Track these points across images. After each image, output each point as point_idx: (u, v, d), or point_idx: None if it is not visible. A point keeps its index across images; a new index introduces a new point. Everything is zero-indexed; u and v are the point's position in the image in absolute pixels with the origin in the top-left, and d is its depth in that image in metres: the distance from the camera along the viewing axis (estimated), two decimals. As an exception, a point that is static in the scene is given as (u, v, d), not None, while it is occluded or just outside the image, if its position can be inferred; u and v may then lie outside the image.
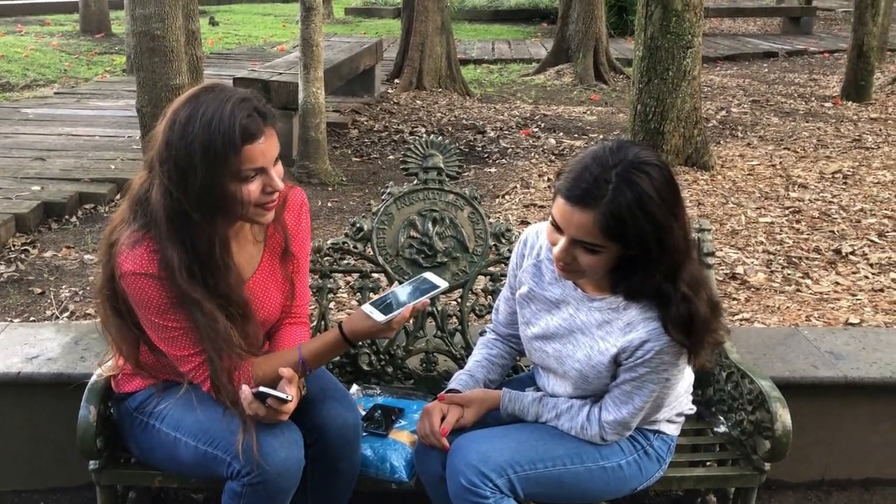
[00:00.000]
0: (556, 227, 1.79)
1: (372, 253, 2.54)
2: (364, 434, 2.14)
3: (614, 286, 1.88)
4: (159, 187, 1.78)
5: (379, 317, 1.90)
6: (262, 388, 1.83)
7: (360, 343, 2.52)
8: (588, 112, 8.80)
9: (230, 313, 1.87)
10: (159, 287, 1.81)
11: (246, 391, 1.83)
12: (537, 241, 2.05)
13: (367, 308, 1.93)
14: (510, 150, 7.10)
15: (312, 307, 2.55)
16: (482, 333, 2.31)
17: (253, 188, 1.79)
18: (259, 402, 1.83)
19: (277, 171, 1.84)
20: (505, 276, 2.42)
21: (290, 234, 2.05)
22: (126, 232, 1.84)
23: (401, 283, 2.42)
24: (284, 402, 1.83)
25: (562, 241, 1.78)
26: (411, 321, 2.53)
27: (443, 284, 2.00)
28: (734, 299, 3.96)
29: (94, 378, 2.11)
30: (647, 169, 1.72)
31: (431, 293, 1.96)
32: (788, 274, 4.29)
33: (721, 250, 4.54)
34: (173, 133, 1.75)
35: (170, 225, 1.78)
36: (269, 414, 1.84)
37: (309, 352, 1.96)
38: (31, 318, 3.77)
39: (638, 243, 1.72)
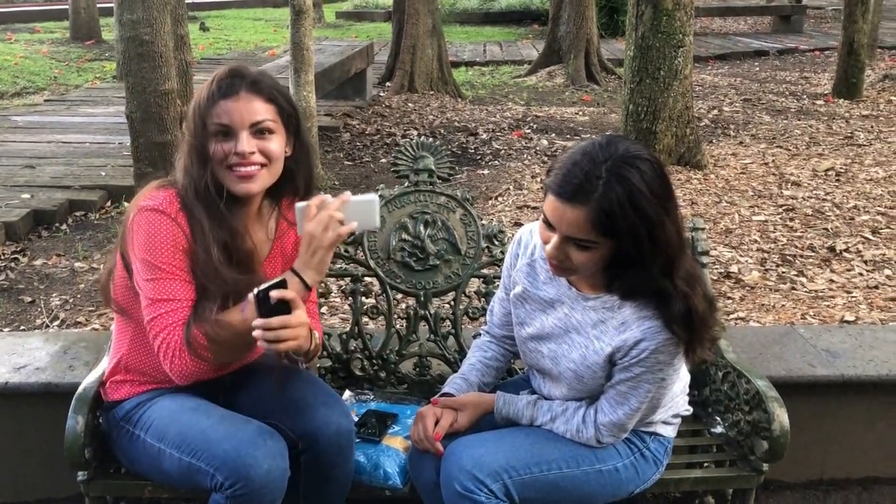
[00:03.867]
0: (548, 225, 1.77)
1: (363, 256, 2.51)
2: (357, 440, 2.12)
3: (609, 284, 1.86)
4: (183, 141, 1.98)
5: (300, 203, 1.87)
6: (257, 289, 1.73)
7: (353, 348, 2.50)
8: (580, 113, 8.80)
9: (232, 260, 1.91)
10: (169, 227, 1.87)
11: (255, 321, 1.74)
12: (531, 240, 2.03)
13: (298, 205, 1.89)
14: (502, 151, 7.09)
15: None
16: (476, 336, 2.29)
17: (220, 147, 1.89)
18: (269, 310, 1.73)
19: (261, 145, 1.91)
20: (498, 278, 2.40)
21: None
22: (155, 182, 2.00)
23: (392, 285, 2.40)
24: (282, 286, 1.75)
25: (554, 238, 1.76)
26: (404, 324, 2.51)
27: (371, 196, 1.92)
28: (729, 298, 3.95)
29: (81, 388, 2.08)
30: (638, 163, 1.70)
31: (361, 196, 1.90)
32: (783, 272, 4.28)
33: (715, 249, 4.52)
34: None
35: (180, 167, 1.95)
36: (285, 333, 1.74)
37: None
38: (21, 327, 3.73)
39: (630, 238, 1.70)
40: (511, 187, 5.93)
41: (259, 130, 1.91)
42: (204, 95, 1.91)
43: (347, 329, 2.52)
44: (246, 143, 1.89)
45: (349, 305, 2.55)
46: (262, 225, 2.07)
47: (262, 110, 1.92)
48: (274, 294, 1.73)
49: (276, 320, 1.74)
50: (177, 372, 1.88)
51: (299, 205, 1.88)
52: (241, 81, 1.91)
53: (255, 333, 1.74)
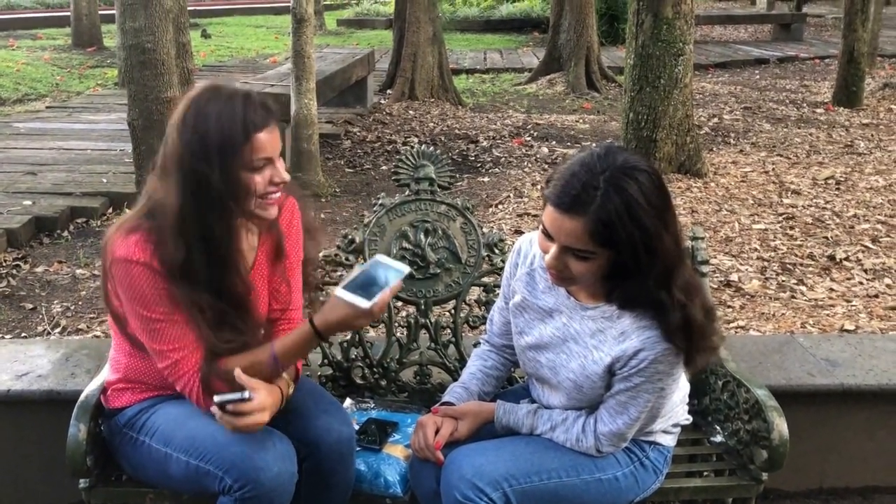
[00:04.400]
0: (547, 235, 1.78)
1: (364, 265, 2.51)
2: (358, 448, 2.12)
3: (608, 294, 1.86)
4: (172, 186, 1.80)
5: (363, 303, 1.79)
6: (217, 398, 1.80)
7: (354, 356, 2.50)
8: (580, 121, 8.81)
9: (227, 307, 1.88)
10: (149, 276, 1.83)
11: (214, 410, 1.82)
12: (531, 249, 2.04)
13: (343, 295, 1.81)
14: (503, 159, 7.10)
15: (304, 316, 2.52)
16: (476, 345, 2.29)
17: (261, 178, 1.84)
18: (227, 414, 1.81)
19: (281, 166, 1.89)
20: (498, 286, 2.41)
21: (283, 236, 2.06)
22: (123, 219, 1.89)
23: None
24: (244, 401, 1.80)
25: (553, 248, 1.77)
26: (405, 333, 2.51)
27: (406, 269, 1.89)
28: (729, 307, 3.95)
29: (83, 395, 2.09)
30: (636, 174, 1.71)
31: (402, 276, 1.88)
32: (783, 281, 4.29)
33: (715, 258, 4.53)
34: (186, 130, 1.80)
35: (180, 220, 1.80)
36: (242, 420, 1.81)
37: (281, 348, 1.92)
38: (23, 334, 3.74)
39: (627, 249, 1.71)
40: (511, 195, 5.94)
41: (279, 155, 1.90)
42: (233, 130, 1.79)
43: (348, 337, 2.52)
44: (284, 170, 1.89)
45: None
46: (248, 232, 2.02)
47: (279, 135, 1.89)
48: (230, 408, 1.80)
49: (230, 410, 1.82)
50: (207, 410, 1.90)
51: (345, 295, 1.82)
52: (265, 110, 1.85)
53: (218, 419, 1.83)
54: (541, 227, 1.80)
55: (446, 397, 2.11)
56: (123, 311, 1.91)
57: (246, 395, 1.81)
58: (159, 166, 1.86)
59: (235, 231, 1.90)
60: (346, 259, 2.52)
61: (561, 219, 1.72)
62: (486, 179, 6.47)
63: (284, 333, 2.09)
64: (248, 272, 1.99)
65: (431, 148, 2.63)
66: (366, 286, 1.83)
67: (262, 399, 1.83)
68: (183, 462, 1.90)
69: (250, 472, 1.82)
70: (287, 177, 1.89)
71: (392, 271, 1.87)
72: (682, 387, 2.06)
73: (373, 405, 2.41)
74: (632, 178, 1.71)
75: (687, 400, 2.12)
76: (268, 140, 1.83)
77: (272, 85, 6.80)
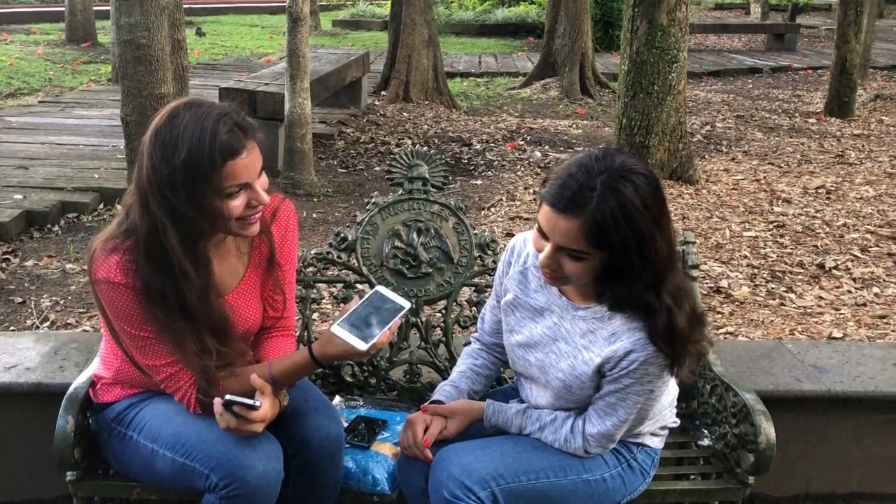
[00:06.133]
0: (542, 234, 1.79)
1: (356, 263, 2.52)
2: (347, 446, 2.12)
3: (600, 295, 1.87)
4: (142, 208, 1.78)
5: (360, 345, 1.82)
6: (228, 397, 1.81)
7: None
8: (574, 126, 8.83)
9: (208, 331, 1.86)
10: (132, 297, 1.81)
11: (217, 403, 1.82)
12: (524, 248, 2.05)
13: (340, 333, 1.84)
14: (496, 162, 7.11)
15: (296, 318, 2.52)
16: (467, 344, 2.30)
17: (237, 203, 1.79)
18: (230, 414, 1.81)
19: (262, 184, 1.83)
20: (490, 287, 2.42)
21: (277, 245, 2.04)
22: (105, 236, 1.85)
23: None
24: (252, 408, 1.81)
25: (547, 247, 1.78)
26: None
27: (406, 305, 1.91)
28: (718, 313, 3.97)
29: (72, 388, 2.08)
30: (633, 177, 1.72)
31: (400, 314, 1.89)
32: (772, 288, 4.31)
33: (705, 264, 4.55)
34: (155, 154, 1.74)
35: (150, 246, 1.77)
36: (241, 424, 1.82)
37: (279, 370, 1.94)
38: (11, 328, 3.73)
39: (621, 251, 1.72)
40: (504, 198, 5.95)
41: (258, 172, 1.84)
42: (202, 158, 1.71)
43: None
44: (263, 193, 1.82)
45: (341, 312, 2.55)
46: (235, 244, 2.00)
47: (259, 152, 1.82)
48: (235, 409, 1.81)
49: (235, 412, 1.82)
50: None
51: (342, 334, 1.84)
52: (241, 130, 1.76)
53: (217, 414, 1.83)
54: (536, 225, 1.81)
55: (436, 395, 2.11)
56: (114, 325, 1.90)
57: (257, 403, 1.82)
58: (133, 185, 1.82)
59: (209, 258, 1.86)
60: (338, 257, 2.52)
61: (556, 218, 1.73)
62: (478, 182, 6.48)
63: (279, 340, 2.11)
64: (222, 297, 1.95)
65: (425, 148, 2.64)
66: (363, 323, 1.86)
67: (264, 410, 1.84)
68: (169, 459, 1.90)
69: (236, 470, 1.81)
70: (266, 198, 1.83)
71: (393, 306, 1.89)
72: (670, 390, 2.06)
73: (362, 403, 2.41)
74: (628, 181, 1.72)
75: (675, 403, 2.12)
76: (243, 165, 1.75)
77: (266, 84, 6.79)
